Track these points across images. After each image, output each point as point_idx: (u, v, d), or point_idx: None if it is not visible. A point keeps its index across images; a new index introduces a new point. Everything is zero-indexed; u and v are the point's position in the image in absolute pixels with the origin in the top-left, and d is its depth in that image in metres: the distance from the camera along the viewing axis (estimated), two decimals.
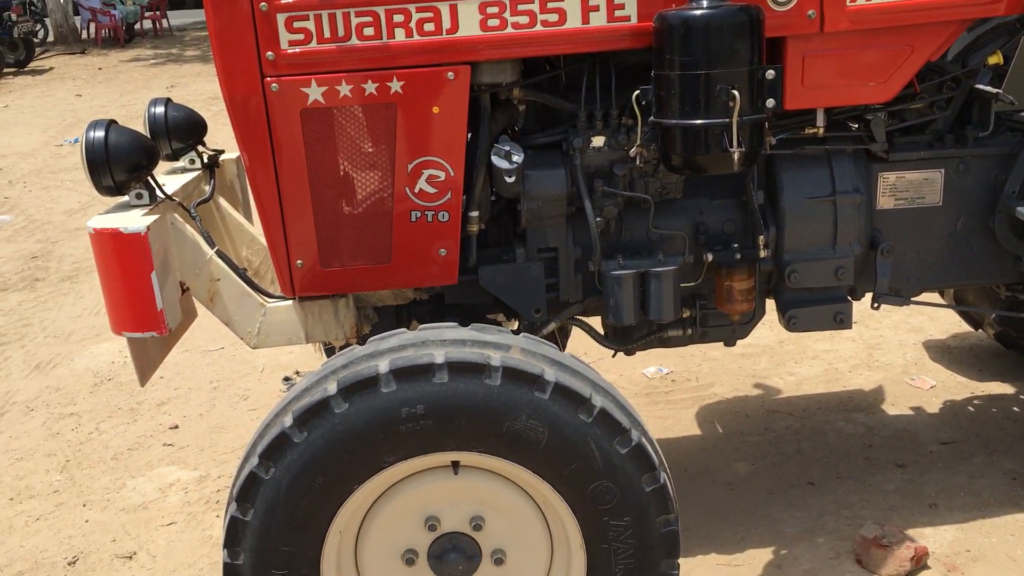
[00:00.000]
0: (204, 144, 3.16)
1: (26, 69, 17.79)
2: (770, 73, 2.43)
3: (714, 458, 3.69)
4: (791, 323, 2.91)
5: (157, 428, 4.18)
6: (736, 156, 2.36)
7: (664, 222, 2.83)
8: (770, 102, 2.45)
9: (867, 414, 3.95)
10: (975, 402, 3.96)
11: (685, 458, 3.70)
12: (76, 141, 11.17)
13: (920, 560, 2.89)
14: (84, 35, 21.62)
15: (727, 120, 2.34)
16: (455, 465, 2.20)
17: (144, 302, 2.44)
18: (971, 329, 4.39)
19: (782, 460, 3.63)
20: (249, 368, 4.75)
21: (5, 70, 17.28)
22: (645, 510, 2.16)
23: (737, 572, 3.00)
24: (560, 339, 3.31)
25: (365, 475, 2.11)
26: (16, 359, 5.08)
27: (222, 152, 3.24)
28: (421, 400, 2.06)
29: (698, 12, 2.34)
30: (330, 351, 3.41)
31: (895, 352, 4.52)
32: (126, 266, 2.45)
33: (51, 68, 17.99)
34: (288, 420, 2.08)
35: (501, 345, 2.15)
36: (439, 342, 2.15)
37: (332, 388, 2.07)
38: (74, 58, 19.20)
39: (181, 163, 3.13)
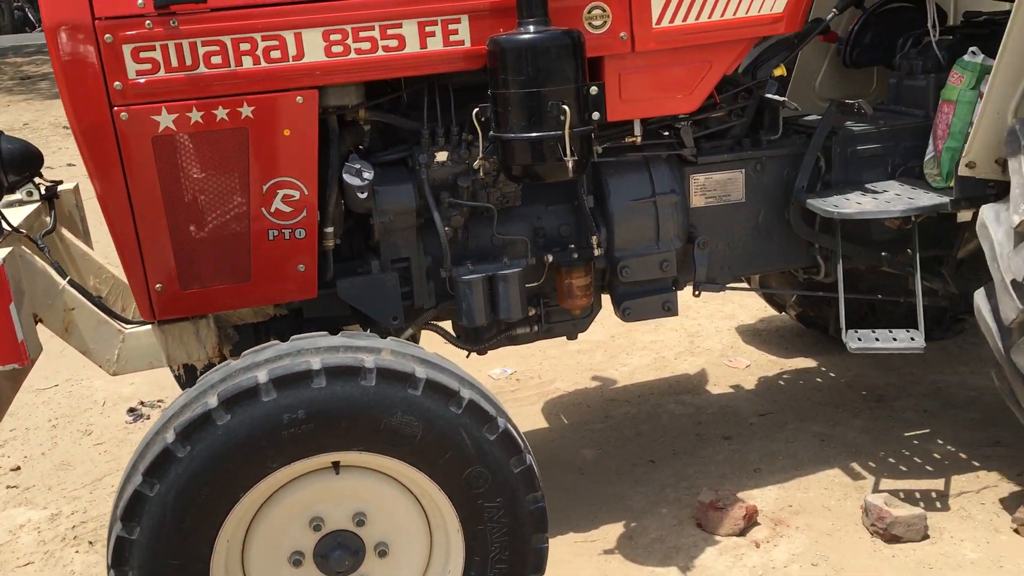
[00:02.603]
0: (41, 175, 3.13)
1: None
2: (594, 89, 2.71)
3: (563, 448, 3.95)
4: (626, 314, 3.20)
5: None
6: (570, 164, 2.62)
7: (506, 228, 3.06)
8: (595, 115, 2.72)
9: (694, 395, 4.33)
10: (785, 377, 4.42)
11: (536, 449, 3.84)
12: None
13: (751, 518, 3.24)
14: None
15: (560, 132, 2.60)
16: (336, 465, 2.33)
17: (4, 334, 2.43)
18: (776, 312, 4.88)
19: (624, 443, 3.94)
20: (89, 403, 4.62)
21: None
22: (515, 490, 2.37)
23: (593, 547, 3.25)
24: None
25: (251, 482, 2.21)
26: None
27: (60, 183, 3.22)
28: (301, 405, 2.18)
29: (526, 36, 2.59)
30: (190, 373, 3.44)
31: (713, 338, 4.95)
32: None
33: None
34: (171, 436, 2.15)
35: (373, 348, 2.30)
36: (314, 350, 2.27)
37: (213, 401, 2.16)
38: None
39: (18, 195, 3.09)
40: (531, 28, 2.61)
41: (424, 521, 2.43)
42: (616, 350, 4.91)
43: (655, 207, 3.13)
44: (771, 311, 4.94)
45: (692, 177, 3.26)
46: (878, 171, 3.40)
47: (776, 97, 3.13)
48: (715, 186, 3.29)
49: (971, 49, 3.20)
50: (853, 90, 4.00)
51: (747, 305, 5.25)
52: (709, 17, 2.92)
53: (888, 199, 3.19)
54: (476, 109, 2.75)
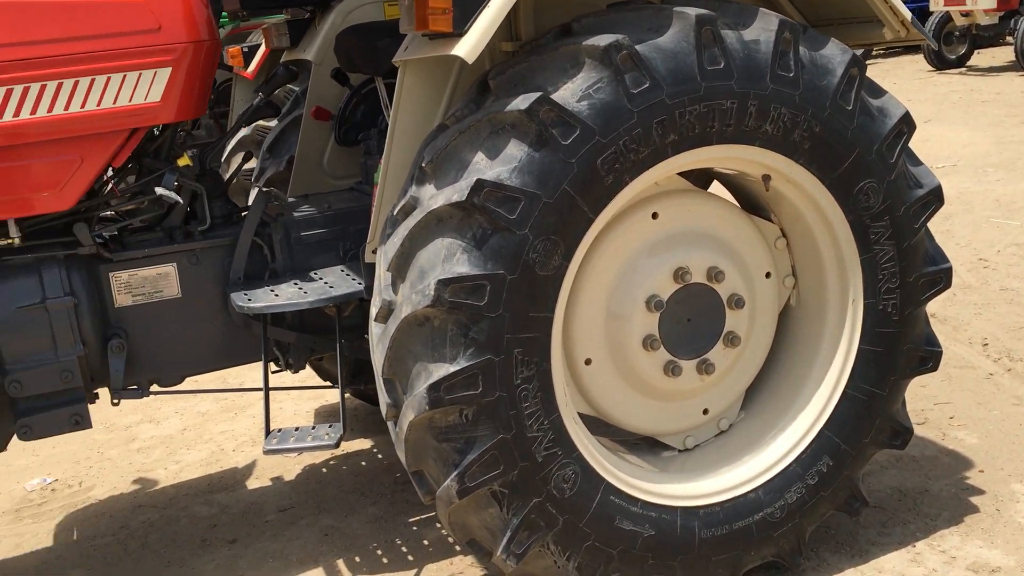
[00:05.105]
0: None
1: None
2: None
3: (53, 571, 3.59)
4: (23, 433, 2.90)
5: None
6: None
7: None
8: None
9: (228, 492, 4.07)
10: (331, 462, 4.23)
11: (23, 573, 3.56)
12: None
13: None
14: None
15: None
16: None
17: None
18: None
19: (122, 558, 3.61)
20: None
21: None
22: None
23: None
24: None
25: None
26: None
27: None
28: None
29: None
30: None
31: (288, 422, 4.72)
32: None
33: None
34: None
35: None
36: None
37: None
38: None
39: None
40: None
41: None
42: (178, 445, 4.60)
43: (47, 313, 2.86)
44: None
45: (113, 275, 3.02)
46: (329, 256, 3.28)
47: (160, 191, 2.94)
48: (142, 283, 3.06)
49: None
50: (359, 168, 3.91)
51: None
52: (67, 109, 2.70)
53: (310, 289, 3.06)
54: None
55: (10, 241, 2.78)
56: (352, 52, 3.35)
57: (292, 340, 3.26)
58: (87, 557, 3.65)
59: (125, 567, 3.55)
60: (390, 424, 2.70)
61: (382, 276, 2.60)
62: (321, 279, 3.14)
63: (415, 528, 3.59)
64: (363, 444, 4.36)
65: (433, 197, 2.47)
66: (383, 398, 2.63)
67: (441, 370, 2.44)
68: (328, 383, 4.44)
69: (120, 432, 4.79)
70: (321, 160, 3.92)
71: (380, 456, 4.25)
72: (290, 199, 3.55)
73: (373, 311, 2.62)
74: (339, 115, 3.77)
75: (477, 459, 2.50)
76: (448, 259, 2.42)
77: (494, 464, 2.51)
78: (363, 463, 4.21)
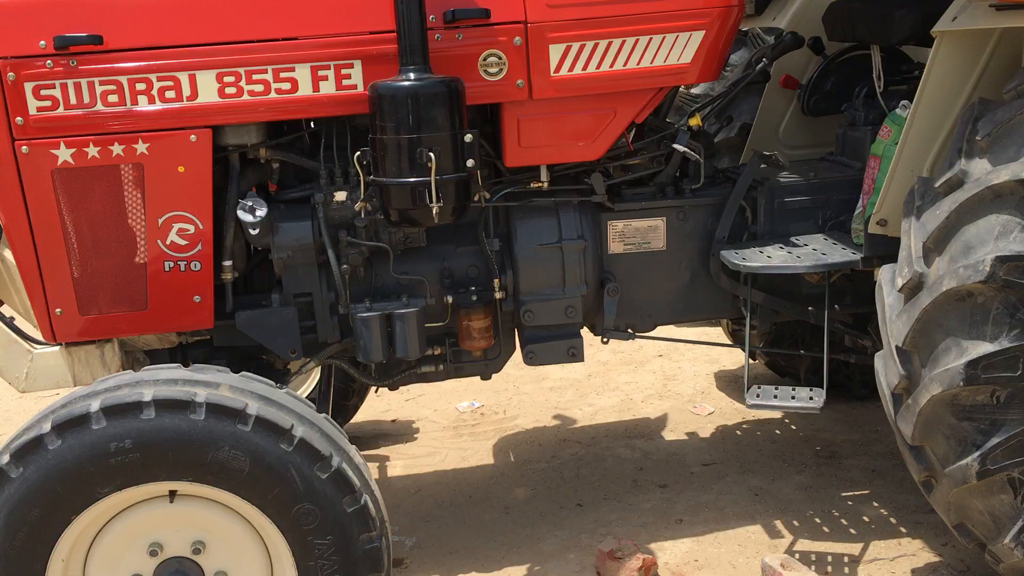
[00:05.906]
0: None
1: None
2: (468, 137, 2.73)
3: (500, 485, 3.96)
4: (528, 357, 3.20)
5: None
6: (435, 211, 2.65)
7: (409, 267, 3.10)
8: (470, 162, 2.75)
9: (646, 440, 4.27)
10: (743, 427, 4.31)
11: (472, 485, 3.96)
12: None
13: (648, 570, 3.18)
14: None
15: (428, 179, 2.64)
16: (172, 494, 2.41)
17: None
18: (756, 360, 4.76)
19: (560, 484, 3.91)
20: None
21: None
22: (347, 529, 2.40)
23: None
24: (326, 378, 3.54)
25: (81, 506, 2.31)
26: None
27: None
28: (129, 435, 2.27)
29: (400, 83, 2.64)
30: None
31: (688, 382, 4.87)
32: None
33: None
34: (5, 458, 2.27)
35: (210, 383, 2.38)
36: (153, 382, 2.36)
37: (47, 426, 2.27)
38: None
39: None
40: (411, 75, 2.66)
41: (264, 552, 2.48)
42: (587, 389, 4.88)
43: (561, 252, 3.12)
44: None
45: (610, 224, 3.24)
46: (808, 224, 3.31)
47: (679, 147, 3.09)
48: (634, 233, 3.26)
49: (902, 103, 3.11)
50: (817, 138, 3.91)
51: (734, 349, 5.13)
52: (611, 66, 2.90)
53: (801, 254, 3.11)
54: (358, 153, 2.82)
55: (540, 184, 3.06)
56: (856, 21, 3.33)
57: (760, 301, 3.34)
58: (527, 479, 3.99)
59: (564, 493, 3.84)
60: (891, 396, 2.70)
61: (912, 248, 2.59)
62: (807, 245, 3.18)
63: (850, 503, 3.58)
64: (774, 413, 4.40)
65: (991, 172, 2.42)
66: (895, 369, 2.63)
67: (980, 348, 2.40)
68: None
69: (530, 370, 5.15)
70: (777, 128, 3.95)
71: (794, 427, 4.27)
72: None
73: (897, 282, 2.62)
74: (809, 84, 3.77)
75: (1003, 443, 2.44)
76: (1003, 236, 2.37)
77: (1019, 450, 2.45)
78: (777, 431, 4.25)
